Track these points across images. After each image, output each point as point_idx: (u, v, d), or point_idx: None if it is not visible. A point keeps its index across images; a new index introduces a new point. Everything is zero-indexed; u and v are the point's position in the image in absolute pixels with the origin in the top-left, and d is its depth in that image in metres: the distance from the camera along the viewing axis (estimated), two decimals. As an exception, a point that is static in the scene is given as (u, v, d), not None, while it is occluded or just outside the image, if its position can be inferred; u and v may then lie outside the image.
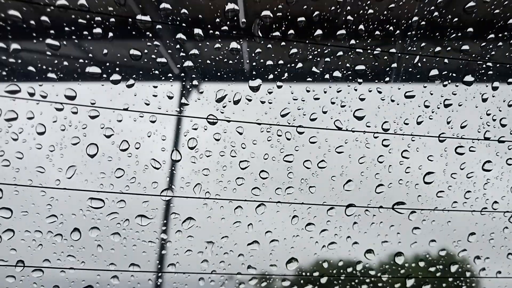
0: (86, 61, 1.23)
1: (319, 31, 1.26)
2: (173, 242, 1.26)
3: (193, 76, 1.34)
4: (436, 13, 1.27)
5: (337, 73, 1.32)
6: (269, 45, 1.28)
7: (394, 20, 1.28)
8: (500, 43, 1.33)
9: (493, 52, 1.34)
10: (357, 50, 1.30)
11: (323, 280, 1.29)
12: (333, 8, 1.24)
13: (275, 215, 1.29)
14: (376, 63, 1.32)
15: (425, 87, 1.35)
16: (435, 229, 1.35)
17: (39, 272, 1.21)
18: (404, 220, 1.32)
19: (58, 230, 1.22)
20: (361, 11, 1.26)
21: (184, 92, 1.34)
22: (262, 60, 1.30)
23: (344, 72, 1.32)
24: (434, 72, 1.34)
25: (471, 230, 1.36)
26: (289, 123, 1.31)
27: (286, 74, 1.30)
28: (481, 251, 1.38)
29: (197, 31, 1.24)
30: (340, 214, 1.30)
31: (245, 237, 1.28)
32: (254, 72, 1.30)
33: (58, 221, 1.22)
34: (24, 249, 1.20)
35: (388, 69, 1.35)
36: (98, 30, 1.20)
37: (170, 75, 1.37)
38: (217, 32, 1.24)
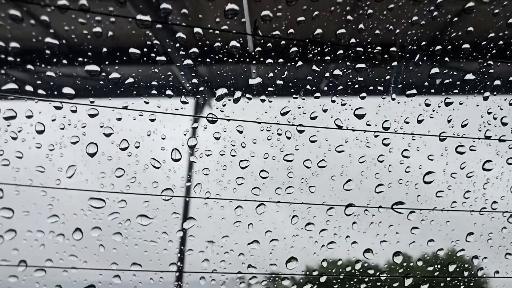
0: (85, 60, 1.22)
1: (319, 30, 1.25)
2: (174, 242, 1.27)
3: (193, 74, 1.34)
4: (436, 13, 1.26)
5: (337, 72, 1.32)
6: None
7: (394, 20, 1.27)
8: (501, 42, 1.32)
9: (493, 51, 1.33)
10: (357, 49, 1.30)
11: (323, 279, 1.31)
12: (332, 8, 1.23)
13: (275, 215, 1.30)
14: (377, 62, 1.32)
15: (425, 85, 1.34)
16: (434, 229, 1.35)
17: (42, 272, 1.22)
18: (403, 220, 1.32)
19: (60, 230, 1.23)
20: (361, 11, 1.25)
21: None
22: (262, 59, 1.29)
23: (345, 70, 1.31)
24: (435, 70, 1.33)
25: (469, 230, 1.37)
26: (289, 122, 1.31)
27: (285, 73, 1.30)
28: (479, 251, 1.39)
29: (197, 30, 1.23)
30: (339, 214, 1.31)
31: (246, 236, 1.28)
32: (254, 71, 1.30)
33: (60, 221, 1.23)
34: (27, 249, 1.21)
35: (388, 67, 1.34)
36: (98, 29, 1.19)
37: (169, 73, 1.37)
38: (217, 32, 1.23)
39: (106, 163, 1.25)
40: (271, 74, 1.29)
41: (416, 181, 1.33)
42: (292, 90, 1.34)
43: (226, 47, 1.25)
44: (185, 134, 1.28)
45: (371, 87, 1.33)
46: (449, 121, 1.35)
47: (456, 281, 1.38)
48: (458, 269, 1.37)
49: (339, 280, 1.34)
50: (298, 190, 1.30)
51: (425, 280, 1.33)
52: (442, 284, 1.37)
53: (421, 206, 1.34)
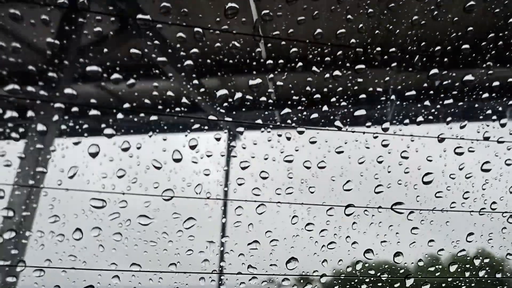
0: (87, 61, 1.23)
1: (319, 30, 1.26)
2: (174, 242, 1.27)
3: (194, 75, 1.34)
4: (436, 12, 1.27)
5: (337, 72, 1.32)
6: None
7: (395, 20, 1.28)
8: (500, 42, 1.33)
9: (493, 52, 1.34)
10: (357, 49, 1.30)
11: (323, 280, 1.30)
12: (333, 7, 1.24)
13: (275, 215, 1.29)
14: (377, 63, 1.33)
15: (425, 87, 1.35)
16: (434, 229, 1.35)
17: (40, 272, 1.21)
18: (403, 220, 1.32)
19: (60, 230, 1.22)
20: (361, 11, 1.26)
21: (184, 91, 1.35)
22: (262, 60, 1.30)
23: (344, 72, 1.32)
24: (434, 71, 1.34)
25: (469, 230, 1.37)
26: (289, 124, 1.31)
27: (286, 74, 1.30)
28: (480, 251, 1.40)
29: (197, 29, 1.23)
30: (339, 214, 1.31)
31: (246, 237, 1.28)
32: (254, 72, 1.30)
33: (60, 222, 1.22)
34: (26, 249, 1.21)
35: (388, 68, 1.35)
36: (98, 29, 1.20)
37: (170, 74, 1.38)
38: (217, 32, 1.24)
39: (108, 164, 1.25)
40: (271, 75, 1.30)
41: (415, 182, 1.34)
42: (293, 91, 1.35)
43: (227, 47, 1.26)
44: (186, 135, 1.28)
45: (371, 88, 1.34)
46: (447, 123, 1.36)
47: (457, 282, 1.38)
48: (459, 270, 1.37)
49: (339, 281, 1.34)
50: (298, 190, 1.30)
51: (426, 281, 1.33)
52: (443, 285, 1.37)
53: (421, 206, 1.34)
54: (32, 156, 1.25)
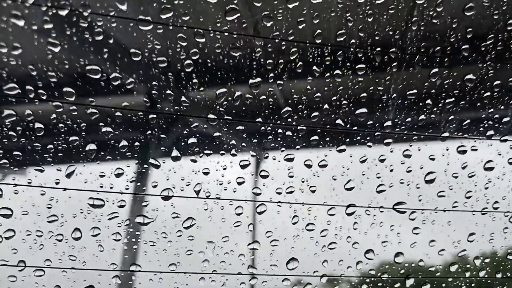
0: (86, 61, 1.22)
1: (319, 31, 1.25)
2: (174, 242, 1.26)
3: (194, 75, 1.33)
4: (435, 14, 1.26)
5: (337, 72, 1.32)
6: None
7: (394, 22, 1.28)
8: (500, 43, 1.32)
9: (493, 52, 1.33)
10: (357, 49, 1.29)
11: (323, 280, 1.29)
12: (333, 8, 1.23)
13: (275, 215, 1.29)
14: (377, 62, 1.31)
15: (426, 85, 1.34)
16: (435, 229, 1.34)
17: (41, 272, 1.21)
18: (405, 220, 1.31)
19: (59, 231, 1.22)
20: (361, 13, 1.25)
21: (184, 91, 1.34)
22: (262, 59, 1.29)
23: (345, 71, 1.31)
24: (435, 70, 1.33)
25: (471, 230, 1.36)
26: (289, 122, 1.31)
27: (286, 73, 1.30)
28: (481, 251, 1.39)
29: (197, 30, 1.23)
30: (340, 214, 1.30)
31: (246, 237, 1.28)
32: (254, 72, 1.30)
33: (59, 222, 1.22)
34: (25, 249, 1.20)
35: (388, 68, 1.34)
36: (99, 30, 1.19)
37: (170, 74, 1.37)
38: (217, 32, 1.23)
39: (106, 163, 1.24)
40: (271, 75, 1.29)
41: (418, 181, 1.32)
42: (293, 91, 1.34)
43: (227, 47, 1.25)
44: (185, 133, 1.28)
45: (371, 88, 1.34)
46: (450, 121, 1.35)
47: (457, 282, 1.37)
48: (459, 270, 1.36)
49: (340, 281, 1.33)
50: (299, 190, 1.29)
51: (426, 281, 1.32)
52: (443, 285, 1.36)
53: (423, 206, 1.33)
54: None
